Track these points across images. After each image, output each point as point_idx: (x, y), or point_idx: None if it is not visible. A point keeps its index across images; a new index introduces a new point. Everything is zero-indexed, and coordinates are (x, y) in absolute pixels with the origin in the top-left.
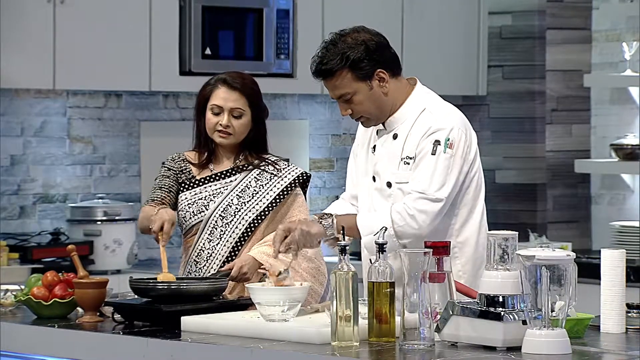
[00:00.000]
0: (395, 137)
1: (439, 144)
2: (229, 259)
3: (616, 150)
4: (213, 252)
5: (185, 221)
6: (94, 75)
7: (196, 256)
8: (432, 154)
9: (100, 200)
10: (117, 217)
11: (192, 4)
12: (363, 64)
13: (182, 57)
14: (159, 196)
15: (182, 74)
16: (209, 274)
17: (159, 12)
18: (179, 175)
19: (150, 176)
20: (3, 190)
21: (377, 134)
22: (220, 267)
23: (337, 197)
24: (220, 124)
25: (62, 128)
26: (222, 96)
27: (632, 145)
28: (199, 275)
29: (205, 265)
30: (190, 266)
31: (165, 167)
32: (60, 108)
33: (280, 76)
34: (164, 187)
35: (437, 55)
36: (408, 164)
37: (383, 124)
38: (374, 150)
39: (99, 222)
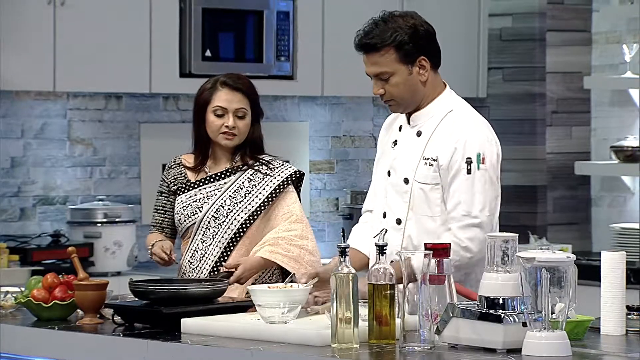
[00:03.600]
0: (419, 134)
1: (472, 162)
2: (221, 259)
3: (616, 152)
4: (206, 253)
5: (181, 223)
6: (94, 77)
7: (190, 257)
8: (467, 173)
9: (100, 202)
10: (117, 219)
11: (192, 6)
12: (409, 46)
13: (182, 59)
14: (157, 221)
15: (182, 76)
16: (202, 274)
17: (159, 14)
18: (172, 186)
19: (151, 178)
20: (3, 192)
21: (399, 130)
22: (213, 267)
23: (337, 199)
24: (226, 126)
25: (63, 130)
26: (225, 98)
27: (632, 147)
28: (194, 276)
29: (198, 265)
30: (185, 267)
31: (162, 178)
32: (60, 110)
33: (280, 78)
34: (160, 210)
35: None
36: (432, 165)
37: (408, 119)
38: (395, 145)
39: (99, 224)
